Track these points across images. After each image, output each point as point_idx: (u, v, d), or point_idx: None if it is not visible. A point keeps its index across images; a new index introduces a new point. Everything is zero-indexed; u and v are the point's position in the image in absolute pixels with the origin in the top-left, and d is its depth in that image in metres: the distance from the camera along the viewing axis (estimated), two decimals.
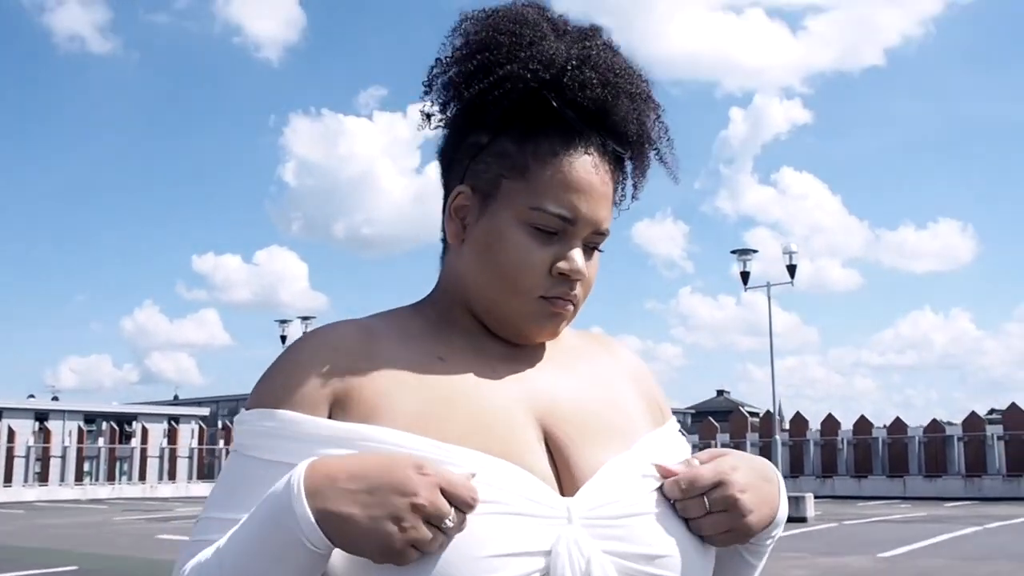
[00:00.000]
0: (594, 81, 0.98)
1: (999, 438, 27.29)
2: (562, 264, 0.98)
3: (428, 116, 1.07)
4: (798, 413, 31.94)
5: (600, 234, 1.01)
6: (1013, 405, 27.82)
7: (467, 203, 1.02)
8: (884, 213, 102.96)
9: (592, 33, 1.03)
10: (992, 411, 30.92)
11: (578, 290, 1.01)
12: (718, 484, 0.92)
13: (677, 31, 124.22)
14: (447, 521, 0.82)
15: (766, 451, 30.38)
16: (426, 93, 1.06)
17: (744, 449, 29.91)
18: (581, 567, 0.87)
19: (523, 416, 0.97)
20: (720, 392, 75.32)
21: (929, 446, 28.48)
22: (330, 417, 0.93)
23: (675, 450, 1.01)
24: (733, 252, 27.10)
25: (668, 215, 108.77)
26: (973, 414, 28.90)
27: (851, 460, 29.90)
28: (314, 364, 0.96)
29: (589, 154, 0.99)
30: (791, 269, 26.60)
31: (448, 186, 1.05)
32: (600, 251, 1.03)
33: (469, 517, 0.84)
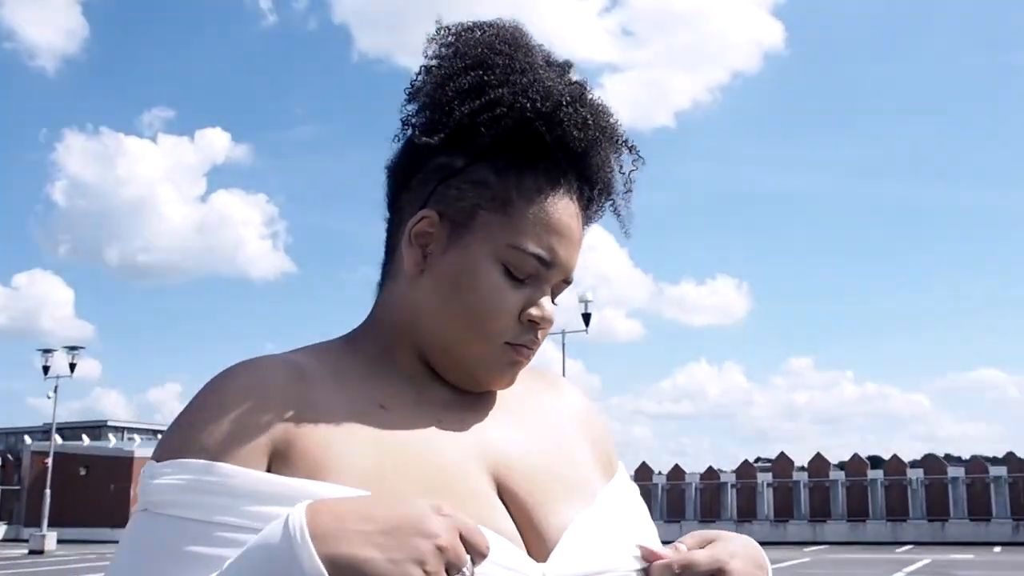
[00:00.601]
0: (588, 121, 0.92)
1: (768, 485, 28.83)
2: (534, 311, 0.92)
3: (411, 126, 0.97)
4: None
5: (567, 282, 0.96)
6: (782, 454, 29.62)
7: (432, 230, 0.93)
8: (667, 268, 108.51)
9: (571, 68, 0.98)
10: (758, 459, 32.40)
11: (540, 338, 0.94)
12: (716, 573, 0.85)
13: None
14: (464, 570, 0.73)
15: None
16: (408, 101, 0.98)
17: None
18: None
19: (477, 471, 0.89)
20: None
21: (705, 492, 29.73)
22: (269, 471, 0.81)
23: (634, 503, 0.97)
24: None
25: None
26: (745, 462, 30.46)
27: None
28: (246, 408, 0.84)
29: (570, 197, 0.94)
30: (586, 317, 27.26)
31: (400, 207, 0.96)
32: (555, 304, 0.96)
33: None
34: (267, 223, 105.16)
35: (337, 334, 1.00)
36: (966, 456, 29.58)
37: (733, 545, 0.88)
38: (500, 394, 0.98)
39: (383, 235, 1.00)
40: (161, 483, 0.80)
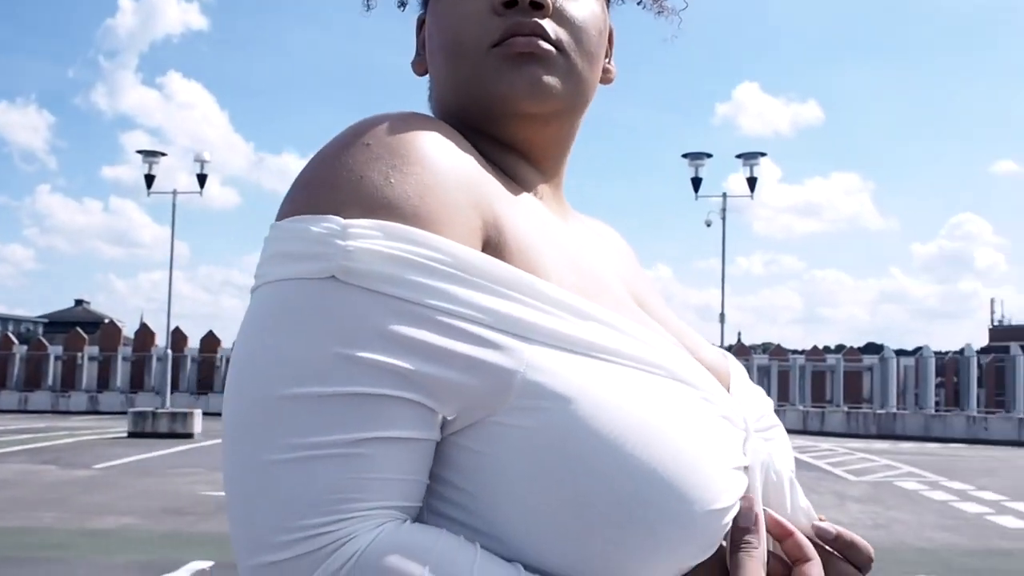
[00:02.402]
0: None
1: None
2: None
3: None
4: (178, 329, 30.23)
5: None
6: None
7: (423, 20, 0.92)
8: (269, 136, 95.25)
9: None
10: None
11: (547, 24, 0.81)
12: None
13: None
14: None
15: (141, 365, 29.39)
16: None
17: (116, 363, 29.80)
18: (777, 483, 0.79)
19: (631, 299, 0.84)
20: (79, 302, 68.34)
21: None
22: None
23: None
24: (139, 152, 28.36)
25: (32, 101, 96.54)
26: None
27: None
28: (449, 169, 0.72)
29: None
30: (202, 179, 27.92)
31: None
32: None
33: (701, 417, 0.72)
34: None
35: None
36: None
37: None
38: (572, 216, 0.93)
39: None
40: (366, 248, 0.65)
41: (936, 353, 26.08)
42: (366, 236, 0.65)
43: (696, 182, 23.42)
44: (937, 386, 26.67)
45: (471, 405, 0.66)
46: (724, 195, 24.57)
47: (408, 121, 0.73)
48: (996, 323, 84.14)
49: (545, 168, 0.88)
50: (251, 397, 0.65)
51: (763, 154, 23.76)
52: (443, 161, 0.71)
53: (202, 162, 26.18)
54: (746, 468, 0.76)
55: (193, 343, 30.14)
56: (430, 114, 0.84)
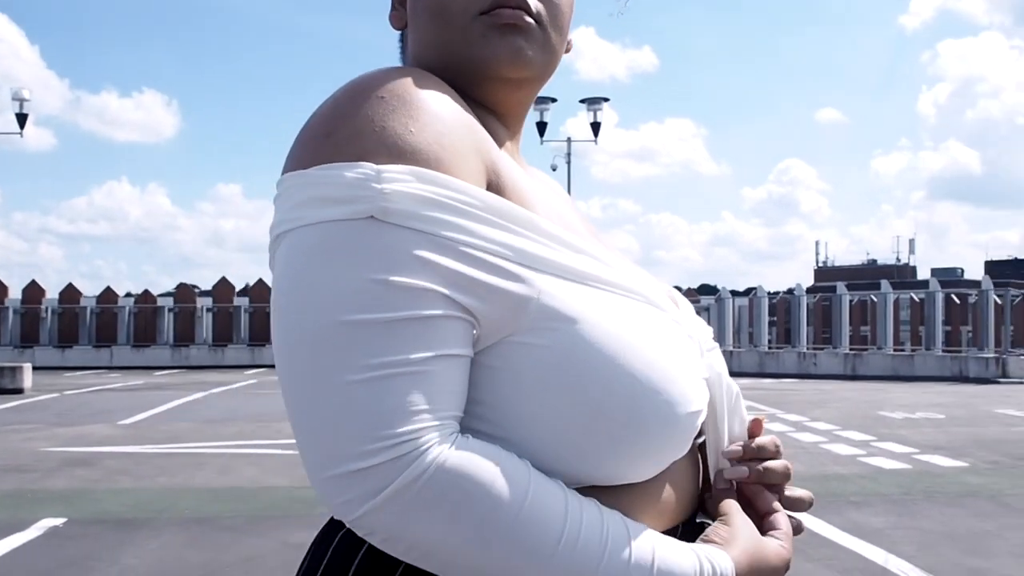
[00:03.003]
0: None
1: (208, 310, 28.38)
2: None
3: None
4: None
5: None
6: (223, 279, 29.09)
7: None
8: (87, 74, 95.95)
9: None
10: (181, 285, 30.41)
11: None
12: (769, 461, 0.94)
13: None
14: None
15: None
16: None
17: None
18: (731, 400, 0.93)
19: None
20: None
21: (140, 316, 27.93)
22: None
23: None
24: None
25: None
26: (183, 285, 29.46)
27: (56, 329, 27.66)
28: (456, 119, 0.79)
29: None
30: (21, 119, 26.28)
31: None
32: None
33: (672, 336, 0.85)
34: None
35: None
36: None
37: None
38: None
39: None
40: (400, 190, 0.72)
41: (768, 293, 27.25)
42: (399, 180, 0.73)
43: (541, 127, 23.64)
44: (769, 324, 27.93)
45: (495, 327, 0.76)
46: (568, 140, 24.87)
47: (410, 76, 0.80)
48: (820, 264, 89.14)
49: (511, 126, 0.97)
50: (317, 326, 0.71)
51: (606, 99, 24.11)
52: (449, 111, 0.79)
53: (21, 100, 24.61)
54: (707, 380, 0.90)
55: (14, 294, 28.28)
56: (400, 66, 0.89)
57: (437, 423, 0.71)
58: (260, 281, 28.74)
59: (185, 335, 27.83)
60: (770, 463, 0.93)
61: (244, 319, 27.96)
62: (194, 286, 29.69)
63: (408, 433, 0.70)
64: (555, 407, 0.77)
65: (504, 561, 0.71)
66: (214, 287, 28.82)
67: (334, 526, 0.85)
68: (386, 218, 0.72)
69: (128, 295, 29.53)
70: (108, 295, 28.18)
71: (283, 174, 0.78)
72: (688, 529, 0.89)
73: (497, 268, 0.75)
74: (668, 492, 0.86)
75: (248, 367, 26.23)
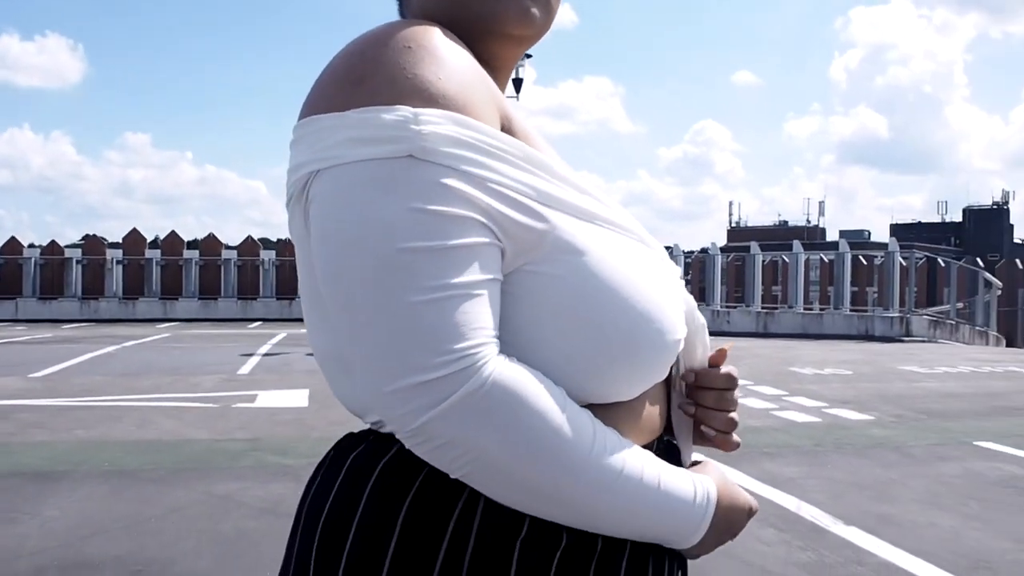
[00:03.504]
0: None
1: (118, 262, 27.54)
2: None
3: None
4: None
5: None
6: (134, 230, 28.30)
7: None
8: None
9: None
10: (87, 236, 29.96)
11: None
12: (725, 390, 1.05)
13: None
14: None
15: None
16: None
17: None
18: (697, 330, 1.05)
19: None
20: None
21: (47, 268, 27.05)
22: None
23: None
24: None
25: None
26: (94, 237, 28.68)
27: None
28: (474, 69, 0.87)
29: None
30: None
31: None
32: None
33: (660, 270, 0.95)
34: None
35: None
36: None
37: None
38: None
39: None
40: (437, 132, 0.79)
41: (683, 252, 27.64)
42: (435, 122, 0.79)
43: None
44: (684, 283, 28.21)
45: (514, 258, 0.84)
46: None
47: (431, 28, 0.86)
48: (734, 224, 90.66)
49: (501, 80, 1.01)
50: (376, 254, 0.78)
51: (529, 55, 23.97)
52: (468, 62, 0.86)
53: None
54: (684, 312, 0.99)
55: None
56: (399, 17, 0.99)
57: (489, 341, 0.79)
58: (172, 233, 28.17)
59: (94, 288, 27.05)
60: (711, 394, 1.04)
61: (156, 272, 27.31)
62: (102, 238, 28.72)
63: (467, 348, 0.77)
64: (564, 331, 0.85)
65: (546, 470, 0.80)
66: (124, 239, 28.00)
67: (341, 452, 0.94)
68: (424, 156, 0.78)
69: (32, 246, 28.43)
70: (12, 245, 27.18)
71: (307, 117, 0.84)
72: (660, 445, 0.99)
73: (521, 205, 0.83)
74: (647, 410, 0.96)
75: (160, 320, 25.74)
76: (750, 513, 0.97)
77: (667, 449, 1.00)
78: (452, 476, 0.81)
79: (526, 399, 0.79)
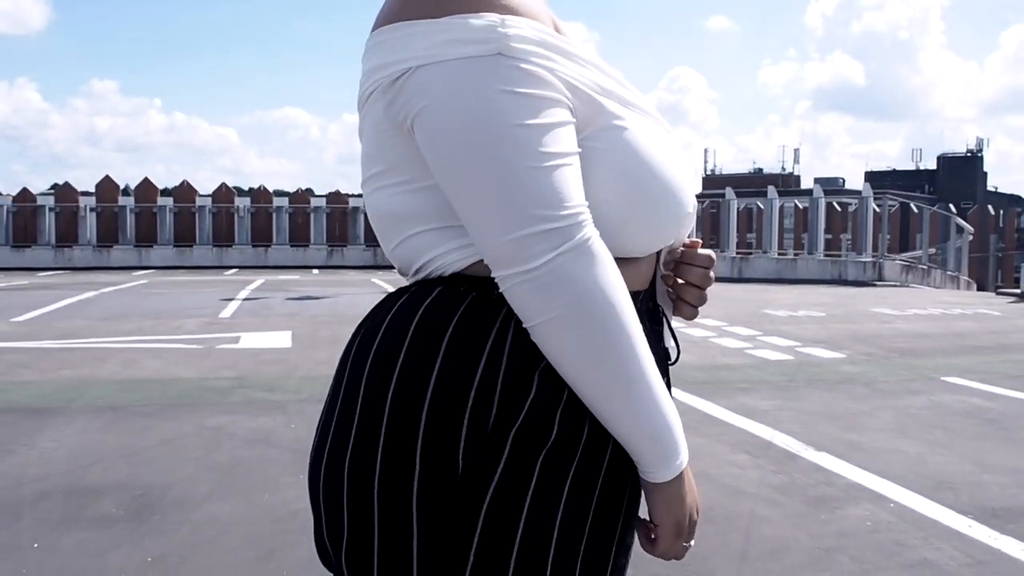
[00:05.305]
0: None
1: (92, 209, 27.37)
2: None
3: None
4: None
5: None
6: (107, 178, 28.04)
7: None
8: None
9: None
10: (56, 185, 29.40)
11: None
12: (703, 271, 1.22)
13: None
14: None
15: None
16: None
17: None
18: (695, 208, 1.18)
19: None
20: None
21: (19, 216, 26.88)
22: None
23: None
24: None
25: None
26: (66, 185, 28.00)
27: None
28: None
29: None
30: None
31: None
32: None
33: (680, 153, 1.14)
34: None
35: None
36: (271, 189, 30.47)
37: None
38: None
39: None
40: (521, 34, 0.96)
41: None
42: (517, 27, 0.96)
43: None
44: None
45: (576, 134, 1.01)
46: None
47: None
48: (709, 172, 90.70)
49: None
50: (491, 129, 0.94)
51: None
52: None
53: None
54: None
55: None
56: None
57: (585, 202, 0.98)
58: (146, 180, 27.97)
59: (68, 236, 26.93)
60: (696, 270, 1.19)
61: (130, 220, 27.17)
62: (73, 187, 28.35)
63: (576, 206, 0.96)
64: (611, 195, 1.04)
65: (614, 326, 0.96)
66: (97, 186, 27.76)
67: (386, 302, 1.08)
68: (510, 54, 0.95)
69: (1, 195, 28.08)
70: None
71: (393, 23, 0.98)
72: (647, 306, 1.15)
73: (583, 93, 1.01)
74: (647, 266, 1.14)
75: (135, 268, 25.65)
76: (698, 510, 1.10)
77: (652, 311, 1.16)
78: (530, 324, 0.96)
79: (609, 256, 0.98)
